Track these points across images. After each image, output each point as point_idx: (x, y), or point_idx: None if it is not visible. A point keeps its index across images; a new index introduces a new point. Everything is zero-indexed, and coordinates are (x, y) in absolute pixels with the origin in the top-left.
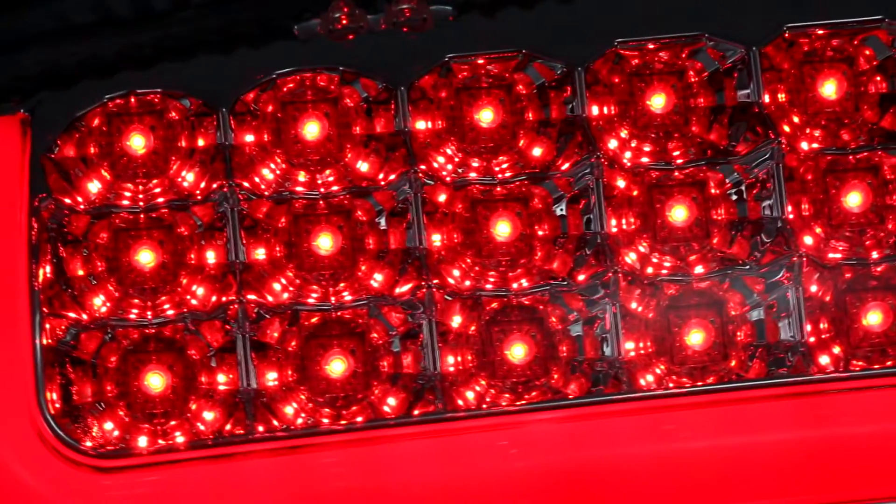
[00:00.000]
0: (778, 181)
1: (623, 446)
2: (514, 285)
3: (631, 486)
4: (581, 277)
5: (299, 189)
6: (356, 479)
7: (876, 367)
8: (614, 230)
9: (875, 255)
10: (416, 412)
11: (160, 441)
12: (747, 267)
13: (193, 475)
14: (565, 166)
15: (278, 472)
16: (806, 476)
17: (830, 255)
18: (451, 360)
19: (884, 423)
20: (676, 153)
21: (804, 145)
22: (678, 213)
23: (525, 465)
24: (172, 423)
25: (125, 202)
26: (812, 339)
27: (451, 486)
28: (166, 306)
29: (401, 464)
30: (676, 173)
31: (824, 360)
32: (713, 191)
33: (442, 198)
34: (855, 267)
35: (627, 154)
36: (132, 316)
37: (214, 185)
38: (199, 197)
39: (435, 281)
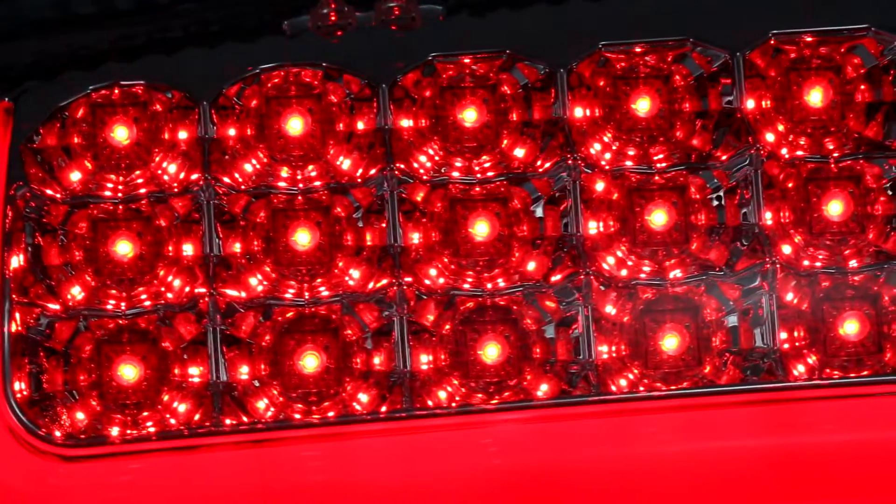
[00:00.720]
0: (756, 188)
1: (590, 449)
2: (489, 285)
3: (596, 489)
4: (555, 279)
5: (281, 184)
6: (322, 474)
7: (851, 375)
8: (593, 233)
9: (854, 263)
10: (383, 409)
11: (129, 431)
12: (723, 273)
13: (160, 466)
14: (546, 167)
15: (244, 465)
16: (773, 483)
17: (807, 263)
18: (423, 358)
19: (854, 433)
20: (660, 157)
21: (785, 152)
22: (657, 218)
23: (491, 464)
24: (144, 413)
25: (107, 193)
26: (786, 347)
27: (415, 483)
28: (143, 297)
29: (367, 460)
30: (657, 177)
31: (799, 367)
32: (694, 196)
33: (420, 196)
34: (832, 275)
35: (607, 156)
36: (109, 307)
37: (193, 178)
38: (175, 189)
39: (409, 279)
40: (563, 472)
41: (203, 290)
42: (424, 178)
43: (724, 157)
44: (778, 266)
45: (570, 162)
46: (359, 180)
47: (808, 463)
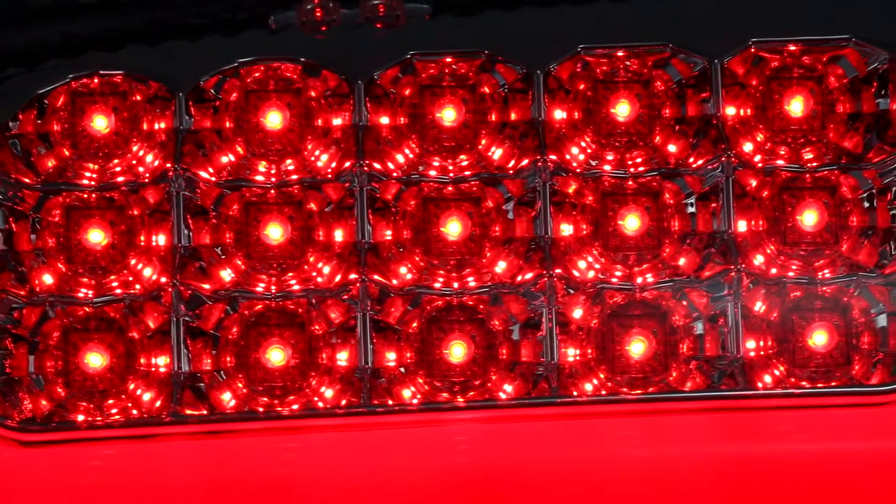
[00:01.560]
0: (727, 195)
1: (548, 451)
2: (455, 284)
3: (550, 491)
4: (521, 280)
5: (259, 178)
6: (279, 468)
7: (819, 386)
8: (565, 235)
9: (828, 273)
10: (343, 403)
11: (89, 418)
12: (690, 280)
13: (118, 453)
14: (518, 168)
15: (200, 456)
16: (724, 491)
17: (775, 272)
18: (389, 356)
19: (813, 443)
20: (638, 160)
21: (759, 160)
22: (630, 222)
23: (449, 463)
24: (110, 401)
25: (85, 181)
26: (752, 355)
27: (370, 479)
28: (115, 285)
29: (326, 455)
30: (631, 182)
31: (765, 377)
32: (668, 201)
33: (391, 194)
34: (802, 285)
35: (581, 158)
36: (80, 294)
37: (167, 167)
38: (145, 179)
39: (376, 276)
40: (518, 473)
41: (168, 281)
42: (395, 175)
43: (698, 164)
44: (743, 274)
45: (539, 164)
46: (329, 175)
47: (761, 472)
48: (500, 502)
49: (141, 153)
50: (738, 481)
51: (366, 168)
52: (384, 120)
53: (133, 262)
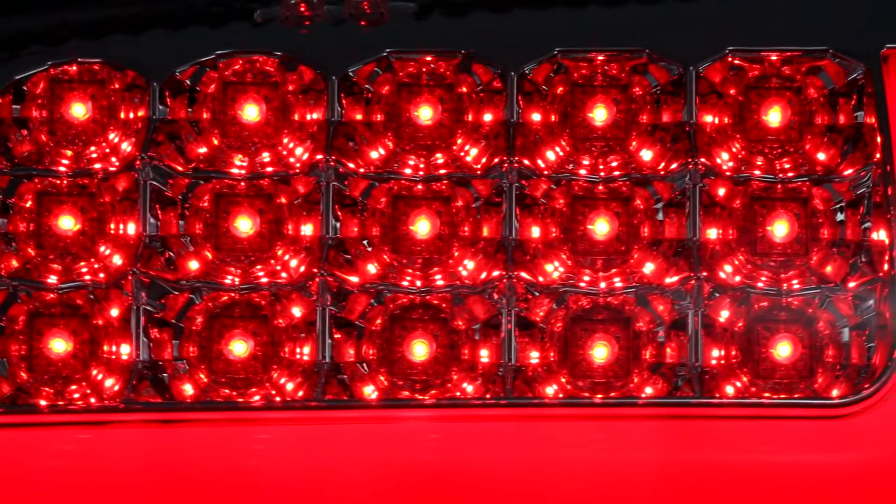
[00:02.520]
0: (693, 203)
1: (501, 452)
2: (418, 283)
3: (500, 492)
4: (485, 280)
5: (234, 171)
6: (228, 460)
7: (782, 397)
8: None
9: (796, 284)
10: (300, 395)
11: (50, 403)
12: (654, 286)
13: (75, 439)
14: (490, 167)
15: (152, 444)
16: (675, 500)
17: (739, 280)
18: (350, 351)
19: (766, 455)
20: (613, 164)
21: (727, 168)
22: (600, 227)
23: (400, 460)
24: (73, 387)
25: (62, 168)
26: (714, 364)
27: (318, 473)
28: (84, 271)
29: (278, 447)
30: (601, 186)
31: (725, 385)
32: (638, 207)
33: (360, 191)
34: (768, 296)
35: (552, 160)
36: (51, 280)
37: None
38: (112, 168)
39: (337, 272)
40: (471, 472)
41: (134, 269)
42: (363, 171)
43: (670, 170)
44: (704, 282)
45: (505, 167)
46: (296, 170)
47: (710, 482)
48: (451, 501)
49: (116, 141)
50: (686, 490)
51: (332, 163)
52: (358, 116)
53: (102, 249)
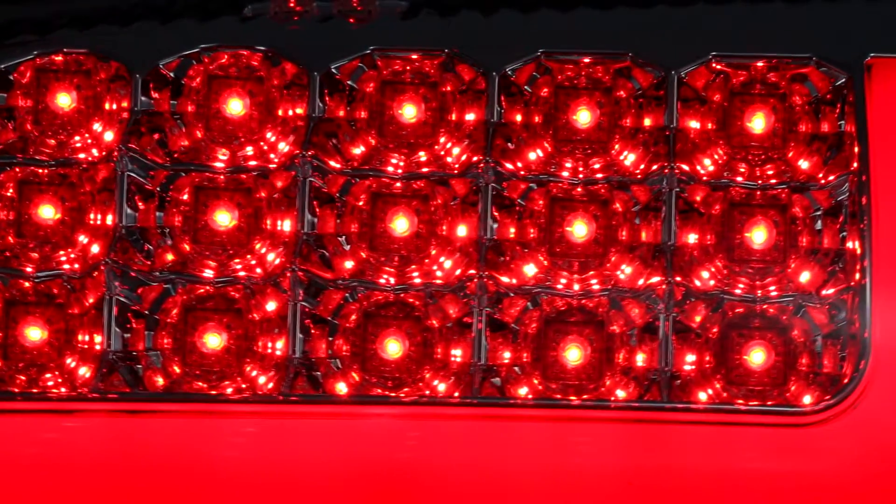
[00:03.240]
0: (669, 208)
1: (464, 451)
2: (392, 280)
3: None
4: (459, 278)
5: (218, 164)
6: (191, 452)
7: (753, 404)
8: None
9: (774, 291)
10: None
11: (23, 391)
12: (627, 290)
13: (42, 426)
14: (467, 166)
15: (114, 433)
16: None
17: (715, 286)
18: (323, 346)
19: (734, 461)
20: (596, 166)
21: (704, 173)
22: (578, 229)
23: (360, 457)
24: (47, 375)
25: (43, 158)
26: (688, 369)
27: (277, 467)
28: (63, 259)
29: (237, 441)
30: (580, 189)
31: (697, 391)
32: (616, 210)
33: (337, 188)
34: (744, 302)
35: (531, 160)
36: (29, 269)
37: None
38: (90, 158)
39: (308, 268)
40: (435, 471)
41: (105, 259)
42: (337, 167)
43: (649, 174)
44: (676, 287)
45: (481, 167)
46: (272, 166)
47: (671, 487)
48: (418, 498)
49: (99, 131)
50: (646, 494)
51: (308, 158)
52: (341, 113)
53: (81, 238)
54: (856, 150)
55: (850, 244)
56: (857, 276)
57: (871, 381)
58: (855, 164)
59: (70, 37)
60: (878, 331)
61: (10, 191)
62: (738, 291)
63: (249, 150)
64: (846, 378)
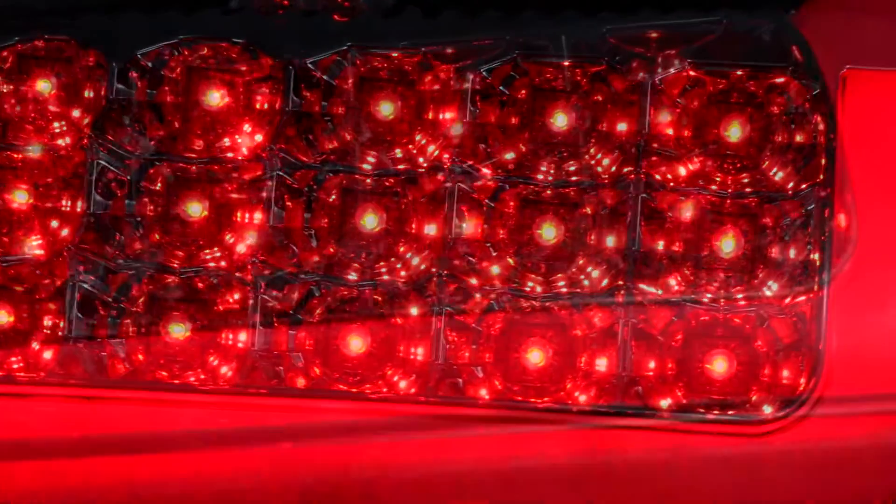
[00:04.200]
0: (634, 213)
1: (421, 450)
2: (352, 276)
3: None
4: (421, 277)
5: (191, 155)
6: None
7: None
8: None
9: (741, 300)
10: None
11: None
12: (592, 295)
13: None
14: (434, 165)
15: (69, 418)
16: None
17: (679, 292)
18: (281, 340)
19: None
20: (572, 168)
21: (671, 180)
22: (547, 232)
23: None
24: (12, 359)
25: (20, 143)
26: (648, 374)
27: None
28: (35, 244)
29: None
30: (549, 191)
31: (655, 397)
32: (586, 214)
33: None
34: (709, 311)
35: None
36: None
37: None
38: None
39: (272, 262)
40: (390, 468)
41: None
42: (303, 160)
43: (618, 178)
44: (635, 292)
45: (447, 165)
46: (239, 160)
47: (622, 493)
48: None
49: (77, 116)
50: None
51: (277, 152)
52: (317, 108)
53: (54, 224)
54: (822, 161)
55: (813, 256)
56: (815, 287)
57: (825, 392)
58: (821, 177)
59: (56, 24)
60: (833, 342)
61: None
62: (705, 300)
63: (227, 142)
64: (802, 388)
